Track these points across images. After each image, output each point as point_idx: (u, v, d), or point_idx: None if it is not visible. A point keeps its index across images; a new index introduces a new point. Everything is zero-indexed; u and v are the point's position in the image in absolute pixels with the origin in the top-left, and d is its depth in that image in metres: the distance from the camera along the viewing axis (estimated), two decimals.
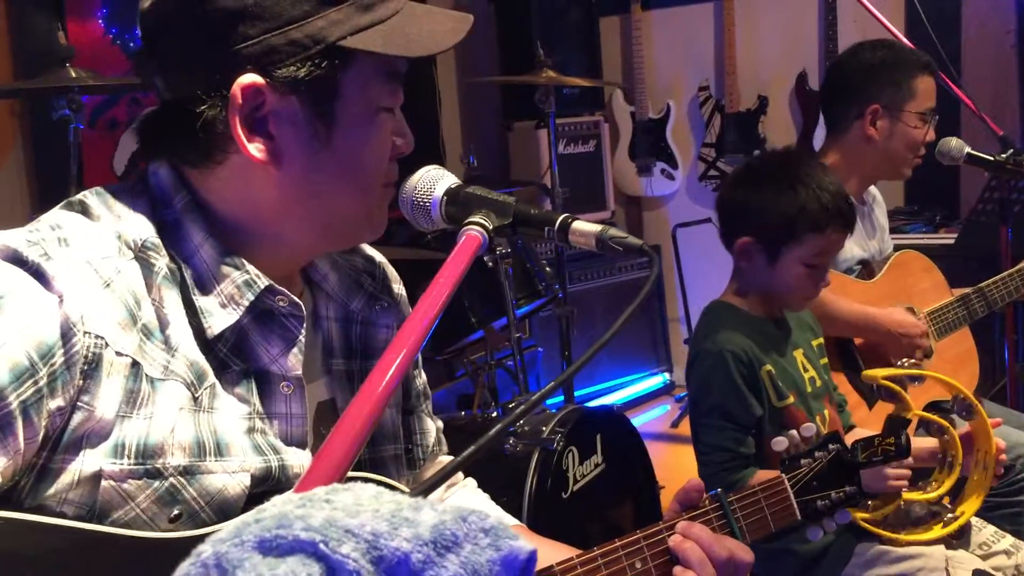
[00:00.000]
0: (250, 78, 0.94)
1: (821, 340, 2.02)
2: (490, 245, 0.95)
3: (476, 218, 0.96)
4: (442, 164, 3.72)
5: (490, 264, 2.66)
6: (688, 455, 1.95)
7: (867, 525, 1.62)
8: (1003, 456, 1.77)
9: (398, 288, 1.27)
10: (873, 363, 2.19)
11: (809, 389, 1.90)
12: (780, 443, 1.32)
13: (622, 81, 5.11)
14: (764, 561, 2.00)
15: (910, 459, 1.67)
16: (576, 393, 4.43)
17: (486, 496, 1.43)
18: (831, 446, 1.33)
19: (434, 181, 1.04)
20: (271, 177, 0.99)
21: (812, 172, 1.83)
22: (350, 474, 1.01)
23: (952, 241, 3.84)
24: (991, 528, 1.94)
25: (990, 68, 4.19)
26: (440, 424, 1.36)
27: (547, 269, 2.96)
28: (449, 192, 1.02)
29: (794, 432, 1.33)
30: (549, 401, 3.82)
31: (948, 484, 1.72)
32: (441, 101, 4.79)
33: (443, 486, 1.36)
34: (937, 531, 1.73)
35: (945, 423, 1.74)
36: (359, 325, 1.16)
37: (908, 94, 2.34)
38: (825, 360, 2.01)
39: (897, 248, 2.81)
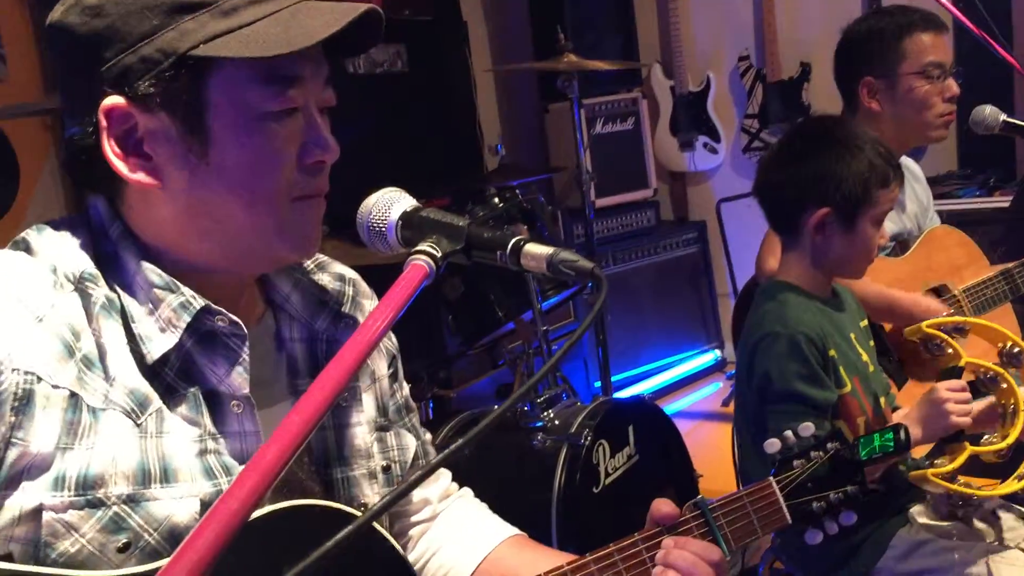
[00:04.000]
0: (112, 100, 0.95)
1: (866, 321, 1.95)
2: (437, 273, 0.92)
3: (424, 246, 0.92)
4: (479, 150, 3.66)
5: None
6: None
7: (939, 481, 1.56)
8: None
9: (370, 304, 1.25)
10: (900, 345, 2.11)
11: (866, 373, 1.84)
12: (772, 445, 1.28)
13: (660, 55, 5.01)
14: (798, 552, 1.95)
15: (971, 404, 1.64)
16: (623, 375, 4.39)
17: (484, 506, 1.41)
18: (830, 444, 1.28)
19: (389, 205, 1.00)
20: (162, 199, 0.99)
21: (861, 132, 1.82)
22: (290, 503, 1.01)
23: (1007, 204, 3.69)
24: None
25: None
26: (427, 437, 1.35)
27: None
28: (404, 216, 0.99)
29: (789, 432, 1.28)
30: (582, 392, 3.80)
31: (1015, 434, 1.65)
32: (476, 87, 4.75)
33: (437, 498, 1.35)
34: (1012, 484, 1.65)
35: (999, 370, 1.67)
36: (324, 343, 1.16)
37: (897, 57, 2.25)
38: (872, 343, 1.94)
39: (950, 214, 2.68)
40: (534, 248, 0.94)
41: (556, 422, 2.48)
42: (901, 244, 2.33)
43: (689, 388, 4.61)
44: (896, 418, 1.78)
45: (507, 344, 3.24)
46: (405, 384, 1.33)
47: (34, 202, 3.16)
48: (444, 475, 1.40)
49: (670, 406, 4.40)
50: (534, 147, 5.01)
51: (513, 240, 0.95)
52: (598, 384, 3.81)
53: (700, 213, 5.04)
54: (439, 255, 0.92)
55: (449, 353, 3.55)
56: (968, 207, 3.82)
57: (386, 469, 1.21)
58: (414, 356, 3.12)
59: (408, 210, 1.00)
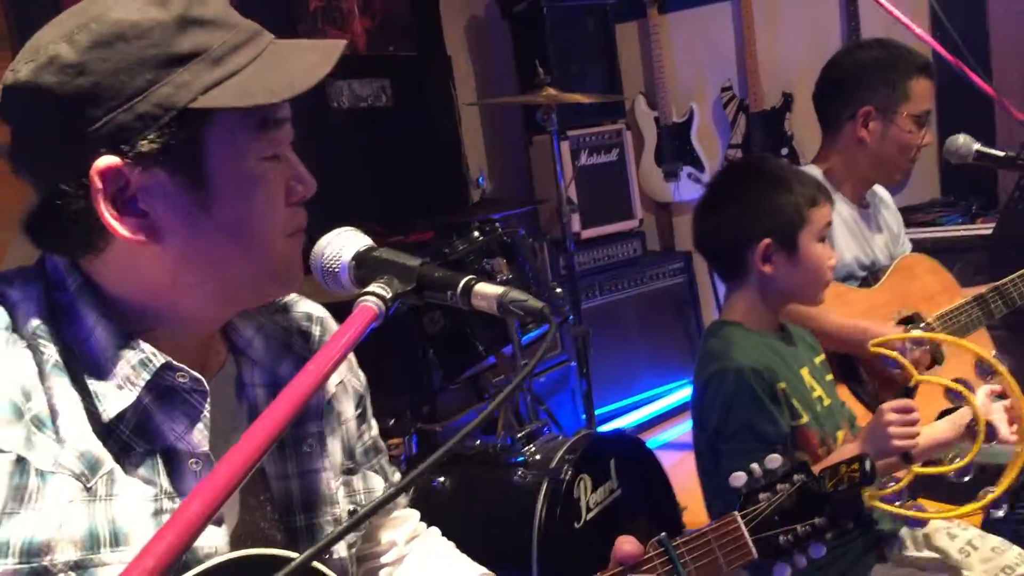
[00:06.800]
0: (105, 160, 0.90)
1: (823, 356, 1.95)
2: (387, 315, 0.91)
3: (375, 287, 0.91)
4: (464, 184, 3.67)
5: None
6: None
7: (881, 504, 1.48)
8: None
9: None
10: (876, 374, 2.10)
11: (819, 408, 1.83)
12: (739, 478, 1.26)
13: (643, 86, 5.04)
14: None
15: (917, 428, 1.62)
16: (610, 407, 4.37)
17: (451, 545, 1.39)
18: (796, 476, 1.26)
19: (343, 245, 0.99)
20: (156, 254, 0.96)
21: (782, 164, 1.95)
22: (241, 553, 0.99)
23: (989, 231, 3.70)
24: (1016, 549, 1.84)
25: (1020, 56, 4.02)
26: (395, 478, 1.33)
27: (557, 291, 2.91)
28: (358, 256, 0.98)
29: (755, 465, 1.27)
30: (568, 425, 3.78)
31: (970, 456, 1.60)
32: (461, 120, 4.77)
33: (404, 540, 1.33)
34: (970, 506, 1.55)
35: (963, 389, 1.63)
36: None
37: (902, 96, 2.26)
38: (830, 377, 1.94)
39: (933, 242, 2.66)
40: (484, 288, 0.94)
41: (537, 457, 2.46)
42: (872, 274, 2.33)
43: (676, 419, 4.57)
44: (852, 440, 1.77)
45: (491, 377, 3.23)
46: (374, 424, 1.31)
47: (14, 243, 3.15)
48: (412, 516, 1.38)
49: (657, 437, 4.37)
50: (520, 179, 5.03)
51: (463, 280, 0.95)
52: (603, 410, 3.79)
53: (686, 243, 5.04)
54: (389, 296, 0.91)
55: (433, 387, 3.54)
56: (950, 235, 3.83)
57: (352, 514, 1.19)
58: (398, 390, 3.11)
59: (361, 250, 0.99)
